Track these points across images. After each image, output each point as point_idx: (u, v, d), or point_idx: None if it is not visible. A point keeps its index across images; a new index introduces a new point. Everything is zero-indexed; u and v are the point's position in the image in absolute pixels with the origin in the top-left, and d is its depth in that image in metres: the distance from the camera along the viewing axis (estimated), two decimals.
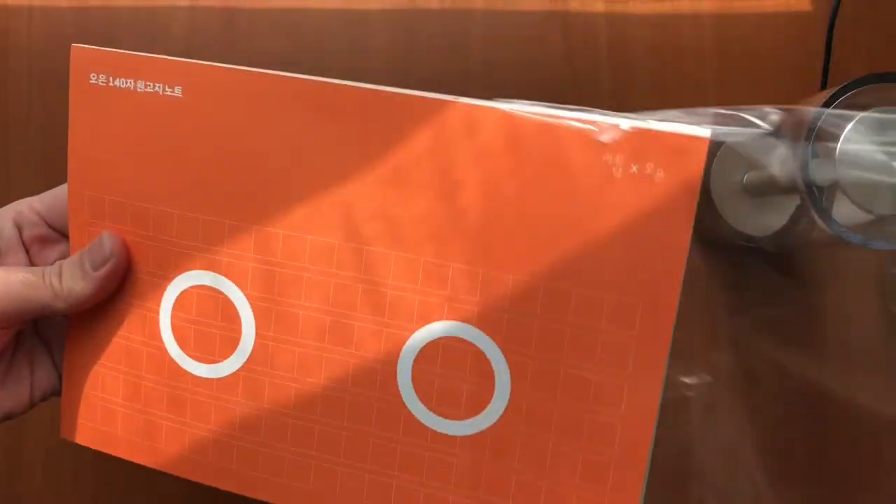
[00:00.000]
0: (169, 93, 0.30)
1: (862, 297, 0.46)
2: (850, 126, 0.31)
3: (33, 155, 0.47)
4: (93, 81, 0.30)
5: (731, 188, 0.39)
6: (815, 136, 0.31)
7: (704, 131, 0.25)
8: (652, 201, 0.26)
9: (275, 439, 0.31)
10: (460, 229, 0.28)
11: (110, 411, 0.33)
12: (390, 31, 0.47)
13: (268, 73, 0.29)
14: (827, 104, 0.30)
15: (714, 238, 0.44)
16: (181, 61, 0.30)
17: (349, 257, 0.29)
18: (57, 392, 0.34)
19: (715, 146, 0.39)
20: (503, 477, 0.29)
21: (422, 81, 0.46)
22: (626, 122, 0.26)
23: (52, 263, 0.31)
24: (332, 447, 0.31)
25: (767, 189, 0.37)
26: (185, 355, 0.32)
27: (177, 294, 0.31)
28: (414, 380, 0.29)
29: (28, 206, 0.33)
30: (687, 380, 0.45)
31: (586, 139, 0.26)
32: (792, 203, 0.37)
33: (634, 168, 0.26)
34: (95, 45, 0.31)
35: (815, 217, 0.31)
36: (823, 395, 0.45)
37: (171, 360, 0.32)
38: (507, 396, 0.28)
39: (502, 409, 0.28)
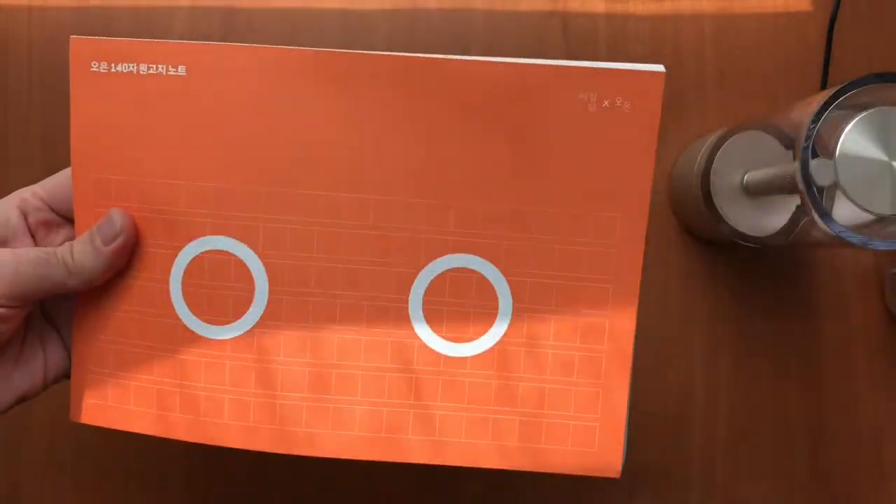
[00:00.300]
0: (173, 72, 0.31)
1: (862, 297, 0.46)
2: (850, 126, 0.31)
3: (33, 154, 0.47)
4: (94, 69, 0.31)
5: (731, 188, 0.39)
6: (815, 136, 0.31)
7: (659, 67, 0.30)
8: (622, 128, 0.30)
9: (292, 390, 0.32)
10: (457, 173, 0.31)
11: (122, 387, 0.33)
12: (390, 31, 0.47)
13: (270, 48, 0.30)
14: (827, 104, 0.30)
15: (714, 238, 0.44)
16: (182, 43, 0.31)
17: (356, 208, 0.31)
18: (69, 374, 0.34)
19: (716, 145, 0.40)
20: (510, 386, 0.32)
21: None
22: (595, 65, 0.30)
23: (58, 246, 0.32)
24: (349, 389, 0.32)
25: (767, 189, 0.37)
26: (198, 320, 0.32)
27: (187, 261, 0.32)
28: (425, 311, 0.32)
29: (31, 193, 0.34)
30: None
31: (563, 81, 0.30)
32: (792, 203, 0.37)
33: (606, 103, 0.30)
34: None
35: (815, 217, 0.31)
36: (823, 396, 0.46)
37: (184, 327, 0.32)
38: (510, 313, 0.32)
39: (506, 326, 0.32)
